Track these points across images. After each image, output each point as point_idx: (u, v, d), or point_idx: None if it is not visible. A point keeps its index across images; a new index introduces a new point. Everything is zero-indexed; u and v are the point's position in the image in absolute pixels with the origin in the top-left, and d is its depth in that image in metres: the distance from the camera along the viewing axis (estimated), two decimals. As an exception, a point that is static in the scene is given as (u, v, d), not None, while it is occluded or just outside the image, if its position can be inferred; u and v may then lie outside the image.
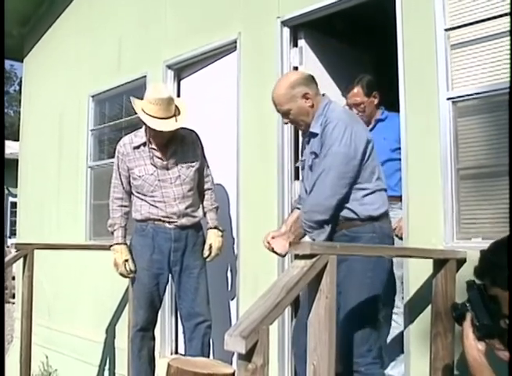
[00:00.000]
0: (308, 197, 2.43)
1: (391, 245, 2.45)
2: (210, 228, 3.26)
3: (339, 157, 2.32)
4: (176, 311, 4.05)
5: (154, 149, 3.14)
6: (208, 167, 3.35)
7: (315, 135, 2.45)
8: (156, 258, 3.13)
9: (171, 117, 3.05)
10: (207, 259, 3.20)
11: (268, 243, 2.48)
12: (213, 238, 3.22)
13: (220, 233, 3.26)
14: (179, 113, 3.10)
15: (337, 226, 2.40)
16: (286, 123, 2.65)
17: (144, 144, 3.15)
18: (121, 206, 3.22)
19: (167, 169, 3.14)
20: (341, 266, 2.08)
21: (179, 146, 3.18)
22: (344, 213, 2.38)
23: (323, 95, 2.54)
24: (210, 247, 3.20)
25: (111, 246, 3.21)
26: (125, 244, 3.21)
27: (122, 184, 3.22)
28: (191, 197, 3.18)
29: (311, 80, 2.51)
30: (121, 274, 3.19)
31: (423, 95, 2.72)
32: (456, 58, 2.64)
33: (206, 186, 3.32)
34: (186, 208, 3.14)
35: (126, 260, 3.15)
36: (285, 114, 2.51)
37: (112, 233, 3.23)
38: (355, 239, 2.36)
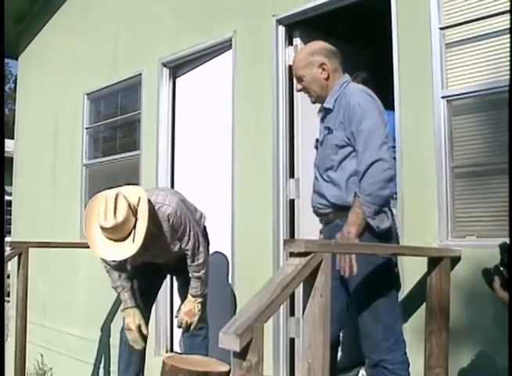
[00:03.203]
0: (364, 177, 2.18)
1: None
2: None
3: (380, 130, 2.22)
4: (172, 309, 4.06)
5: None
6: (195, 245, 2.90)
7: (329, 110, 2.40)
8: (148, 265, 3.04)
9: (127, 236, 2.58)
10: (181, 327, 3.01)
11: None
12: (186, 303, 3.01)
13: (192, 299, 2.98)
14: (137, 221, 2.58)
15: (333, 216, 2.34)
16: (299, 90, 2.55)
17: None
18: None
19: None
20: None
21: (151, 244, 2.77)
22: (340, 202, 2.30)
23: (344, 73, 2.46)
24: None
25: (122, 310, 2.99)
26: (136, 306, 2.96)
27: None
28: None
29: (334, 54, 2.45)
30: (133, 341, 2.91)
31: (418, 94, 2.72)
32: (450, 57, 2.65)
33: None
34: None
35: (139, 325, 2.92)
36: (299, 79, 2.47)
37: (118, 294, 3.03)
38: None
